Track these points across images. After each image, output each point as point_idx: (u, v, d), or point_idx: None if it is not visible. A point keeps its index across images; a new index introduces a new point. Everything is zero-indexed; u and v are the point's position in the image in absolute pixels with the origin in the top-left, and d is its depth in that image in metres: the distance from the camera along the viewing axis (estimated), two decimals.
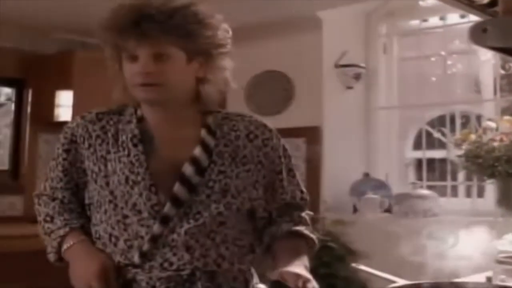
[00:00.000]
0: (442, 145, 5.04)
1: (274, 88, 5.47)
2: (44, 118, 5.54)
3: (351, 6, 5.18)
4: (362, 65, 5.35)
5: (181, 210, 1.89)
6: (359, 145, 5.38)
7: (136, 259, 1.88)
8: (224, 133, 2.00)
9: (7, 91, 5.77)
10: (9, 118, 5.72)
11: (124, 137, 1.95)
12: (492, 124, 4.50)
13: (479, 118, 4.85)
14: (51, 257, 2.01)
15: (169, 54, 1.89)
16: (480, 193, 4.85)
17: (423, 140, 5.23)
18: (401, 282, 1.87)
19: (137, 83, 1.90)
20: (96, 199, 1.97)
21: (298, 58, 5.29)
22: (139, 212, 1.89)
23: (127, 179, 1.90)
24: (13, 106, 5.70)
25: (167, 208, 1.88)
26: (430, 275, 1.85)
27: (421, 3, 5.25)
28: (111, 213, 1.92)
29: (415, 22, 5.44)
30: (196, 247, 1.89)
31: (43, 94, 5.52)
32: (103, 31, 1.93)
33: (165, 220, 1.88)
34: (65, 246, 1.96)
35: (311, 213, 2.14)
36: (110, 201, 1.92)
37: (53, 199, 2.03)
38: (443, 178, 5.10)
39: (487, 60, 4.91)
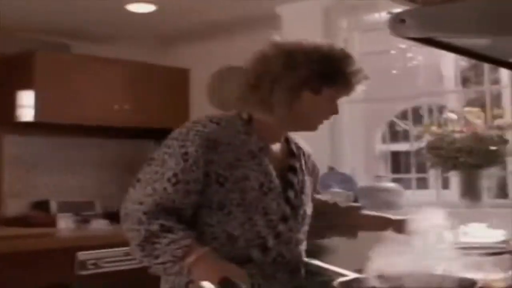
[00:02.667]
0: (407, 138, 5.07)
1: (237, 84, 5.44)
2: (7, 119, 5.43)
3: (310, 1, 5.14)
4: None
5: (293, 211, 2.24)
6: (323, 139, 5.36)
7: (255, 255, 2.15)
8: (297, 148, 2.41)
9: None
10: None
11: (251, 147, 2.19)
12: (454, 116, 4.54)
13: (442, 110, 4.88)
14: (169, 266, 2.03)
15: None
16: (448, 185, 4.86)
17: (387, 133, 5.26)
18: (351, 275, 1.96)
19: (325, 120, 2.28)
20: (217, 201, 2.12)
21: None
22: (268, 214, 2.17)
23: (261, 185, 2.16)
24: None
25: (287, 210, 2.22)
26: (392, 268, 1.85)
27: None
28: (236, 215, 2.12)
29: (375, 16, 5.44)
30: (301, 243, 2.29)
31: (4, 95, 5.40)
32: (342, 70, 2.25)
33: (286, 220, 2.21)
34: (194, 256, 2.00)
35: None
36: (238, 204, 2.13)
37: (166, 209, 2.07)
38: (410, 170, 5.14)
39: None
